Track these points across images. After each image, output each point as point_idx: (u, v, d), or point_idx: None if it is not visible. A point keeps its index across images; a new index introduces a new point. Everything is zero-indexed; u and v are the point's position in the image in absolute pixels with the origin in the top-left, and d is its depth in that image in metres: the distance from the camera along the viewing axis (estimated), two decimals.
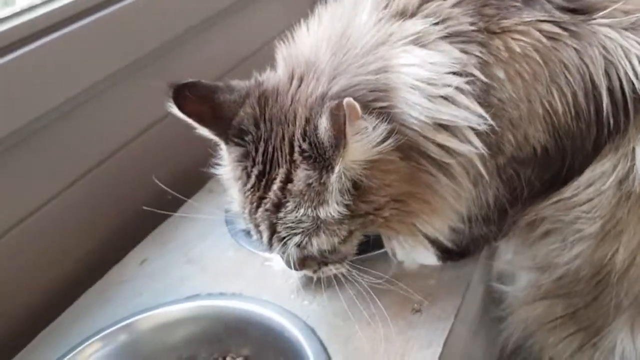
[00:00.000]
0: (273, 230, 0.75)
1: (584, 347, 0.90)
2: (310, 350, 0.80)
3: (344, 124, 0.63)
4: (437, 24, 0.72)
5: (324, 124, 0.65)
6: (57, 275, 1.00)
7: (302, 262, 0.79)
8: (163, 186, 0.92)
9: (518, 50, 0.72)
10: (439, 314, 0.83)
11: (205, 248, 1.01)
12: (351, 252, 0.81)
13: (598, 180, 0.77)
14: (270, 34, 0.90)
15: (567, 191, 0.79)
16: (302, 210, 0.71)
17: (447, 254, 0.90)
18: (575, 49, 0.73)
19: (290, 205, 0.72)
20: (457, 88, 0.71)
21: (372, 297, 0.86)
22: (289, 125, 0.72)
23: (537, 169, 0.80)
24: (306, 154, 0.70)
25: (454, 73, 0.71)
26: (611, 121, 0.74)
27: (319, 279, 0.85)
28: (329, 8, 0.80)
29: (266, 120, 0.73)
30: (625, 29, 0.74)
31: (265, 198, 0.73)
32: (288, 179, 0.71)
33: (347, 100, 0.63)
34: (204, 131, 0.76)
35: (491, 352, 1.06)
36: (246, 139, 0.74)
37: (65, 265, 1.02)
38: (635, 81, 0.73)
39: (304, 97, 0.72)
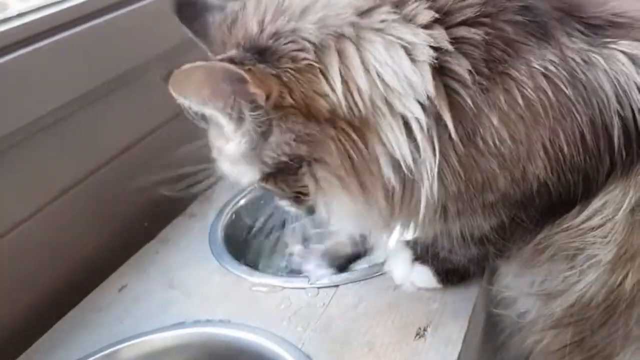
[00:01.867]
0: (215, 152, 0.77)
1: None
2: None
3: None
4: (436, 49, 0.67)
5: None
6: (29, 303, 0.94)
7: (262, 189, 0.79)
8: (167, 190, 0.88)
9: (521, 101, 0.68)
10: (445, 339, 0.78)
11: (190, 273, 0.95)
12: (289, 194, 0.77)
13: (609, 206, 0.74)
14: None
15: (578, 218, 0.76)
16: (219, 140, 0.74)
17: (447, 275, 0.86)
18: (584, 87, 0.69)
19: (212, 132, 0.76)
20: (416, 119, 0.67)
21: (371, 322, 0.81)
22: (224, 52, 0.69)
23: (534, 205, 0.76)
24: None
25: (421, 105, 0.67)
26: (623, 153, 0.71)
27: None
28: None
29: (225, 44, 0.72)
30: None
31: (207, 120, 0.75)
32: None
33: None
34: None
35: None
36: None
37: (37, 292, 0.95)
38: None
39: (242, 29, 0.70)
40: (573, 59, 0.70)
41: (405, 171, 0.69)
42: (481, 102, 0.68)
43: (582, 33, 0.71)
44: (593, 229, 0.76)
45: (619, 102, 0.70)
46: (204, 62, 0.64)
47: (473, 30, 0.68)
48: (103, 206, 1.08)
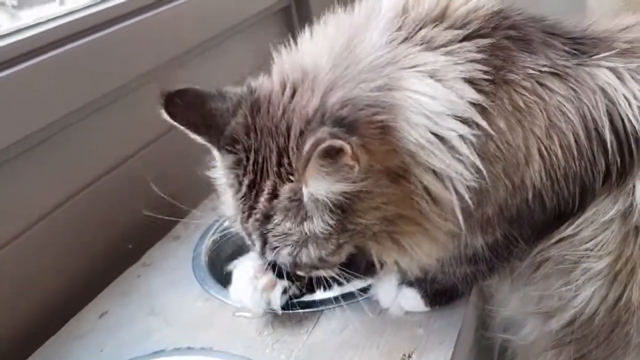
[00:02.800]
0: (264, 240, 0.73)
1: None
2: None
3: (309, 159, 0.62)
4: (458, 64, 0.70)
5: (305, 146, 0.63)
6: (5, 333, 0.91)
7: (295, 268, 0.76)
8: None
9: (521, 104, 0.71)
10: None
11: (171, 298, 0.93)
12: (341, 260, 0.76)
13: (599, 217, 0.75)
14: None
15: (569, 229, 0.76)
16: (288, 224, 0.70)
17: (434, 297, 0.85)
18: (575, 90, 0.72)
19: (277, 218, 0.70)
20: (460, 136, 0.69)
21: (356, 349, 0.79)
22: (279, 137, 0.69)
23: (528, 220, 0.77)
24: (290, 168, 0.69)
25: (462, 120, 0.69)
26: (618, 159, 0.73)
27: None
28: (337, 17, 0.77)
29: (257, 130, 0.71)
30: (627, 72, 0.73)
31: (255, 208, 0.72)
32: (275, 192, 0.70)
33: (328, 144, 0.61)
34: (197, 138, 0.74)
35: None
36: (237, 147, 0.72)
37: (15, 320, 0.93)
38: (636, 124, 0.72)
39: (298, 108, 0.69)
40: (563, 70, 0.73)
41: (470, 184, 0.70)
42: (490, 106, 0.70)
43: (566, 51, 0.74)
44: (585, 241, 0.76)
45: (609, 112, 0.72)
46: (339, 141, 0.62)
47: (479, 40, 0.71)
48: (86, 229, 1.06)
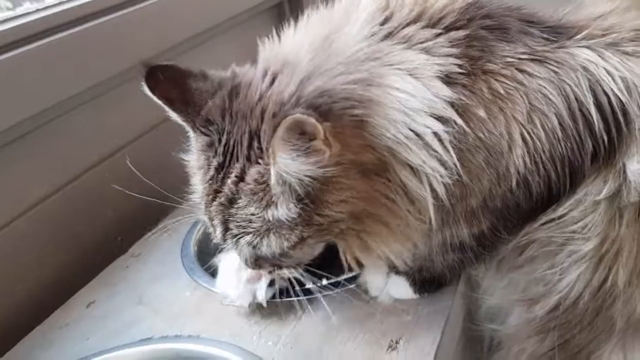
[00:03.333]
0: (226, 227, 0.72)
1: None
2: None
3: (278, 131, 0.62)
4: (435, 62, 0.71)
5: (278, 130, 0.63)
6: None
7: (256, 262, 0.76)
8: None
9: (501, 91, 0.71)
10: (418, 352, 0.76)
11: (159, 288, 0.93)
12: (306, 259, 0.77)
13: (589, 198, 0.75)
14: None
15: (558, 210, 0.76)
16: (252, 209, 0.69)
17: (423, 284, 0.84)
18: (555, 72, 0.73)
19: (241, 202, 0.70)
20: (434, 133, 0.70)
21: (343, 335, 0.79)
22: (253, 120, 0.69)
23: (513, 212, 0.77)
24: (260, 152, 0.68)
25: (438, 117, 0.70)
26: (605, 137, 0.73)
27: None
28: (320, 11, 0.78)
29: (232, 114, 0.71)
30: (605, 49, 0.74)
31: (221, 192, 0.71)
32: (242, 174, 0.69)
33: (299, 117, 0.61)
34: (173, 115, 0.74)
35: None
36: (211, 129, 0.72)
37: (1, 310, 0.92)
38: (621, 96, 0.72)
39: (274, 94, 0.69)
40: (542, 54, 0.73)
41: (443, 181, 0.71)
42: (468, 97, 0.71)
43: (544, 37, 0.75)
44: (573, 222, 0.76)
45: (592, 89, 0.72)
46: (300, 116, 0.62)
47: (454, 33, 0.72)
48: (74, 221, 1.05)
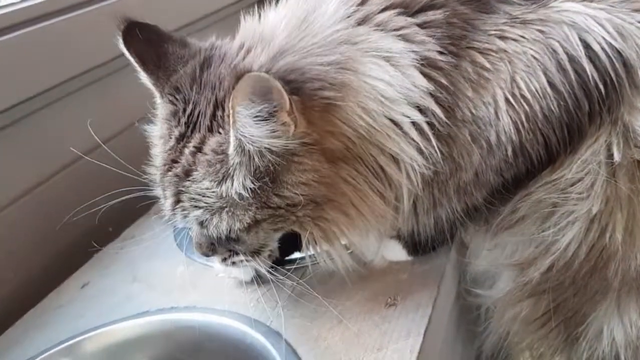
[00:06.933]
0: (177, 199, 0.70)
1: (569, 339, 0.84)
2: (278, 354, 0.71)
3: (239, 84, 0.60)
4: (413, 50, 0.70)
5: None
6: None
7: (210, 247, 0.74)
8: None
9: (487, 65, 0.71)
10: (416, 305, 0.76)
11: (153, 266, 0.92)
12: (258, 246, 0.74)
13: (589, 157, 0.73)
14: None
15: (555, 173, 0.75)
16: (206, 183, 0.67)
17: (416, 246, 0.84)
18: (540, 31, 0.71)
19: (197, 175, 0.68)
20: (413, 123, 0.69)
21: (341, 295, 0.79)
22: (220, 91, 0.68)
23: (512, 178, 0.76)
24: (222, 121, 0.67)
25: (416, 106, 0.69)
26: (602, 89, 0.70)
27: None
28: None
29: (201, 84, 0.70)
30: (590, 0, 0.72)
31: (177, 162, 0.69)
32: (201, 145, 0.68)
33: (264, 75, 0.61)
34: (143, 77, 0.74)
35: (468, 356, 0.99)
36: (178, 97, 0.71)
37: None
38: (614, 43, 0.70)
39: (245, 65, 0.69)
40: (523, 15, 0.72)
41: (420, 170, 0.70)
42: (454, 78, 0.70)
43: (520, 2, 0.73)
44: (571, 183, 0.75)
45: (583, 39, 0.70)
46: (266, 75, 0.61)
47: (431, 13, 0.71)
48: (65, 209, 1.04)
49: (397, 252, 0.85)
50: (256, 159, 0.65)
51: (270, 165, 0.65)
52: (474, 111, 0.71)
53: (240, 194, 0.67)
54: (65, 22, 1.03)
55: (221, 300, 0.82)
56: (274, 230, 0.71)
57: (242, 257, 0.75)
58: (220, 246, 0.74)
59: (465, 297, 0.94)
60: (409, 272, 0.82)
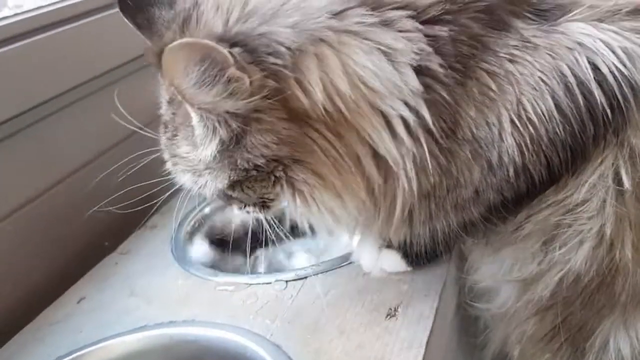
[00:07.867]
0: (173, 162, 0.73)
1: (577, 352, 0.83)
2: None
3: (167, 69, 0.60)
4: (413, 51, 0.66)
5: None
6: None
7: (225, 198, 0.75)
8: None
9: (493, 86, 0.68)
10: (417, 316, 0.75)
11: (151, 279, 0.91)
12: (258, 200, 0.73)
13: (597, 178, 0.72)
14: None
15: (560, 193, 0.74)
16: (186, 147, 0.69)
17: (415, 257, 0.84)
18: (550, 55, 0.69)
19: (179, 139, 0.70)
20: (401, 117, 0.67)
21: (341, 307, 0.79)
22: None
23: (512, 198, 0.75)
24: None
25: (406, 103, 0.66)
26: (608, 113, 0.69)
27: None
28: None
29: None
30: (601, 21, 0.71)
31: (168, 126, 0.71)
32: (176, 111, 0.69)
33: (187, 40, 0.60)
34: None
35: None
36: None
37: None
38: (623, 68, 0.68)
39: (207, 29, 0.66)
40: (534, 38, 0.70)
41: (393, 166, 0.68)
42: (458, 96, 0.68)
43: (533, 19, 0.71)
44: (579, 203, 0.73)
45: (592, 62, 0.68)
46: (189, 39, 0.60)
47: (438, 27, 0.68)
48: (61, 225, 1.04)
49: (396, 263, 0.85)
50: (216, 123, 0.64)
51: (233, 129, 0.65)
52: (475, 130, 0.69)
53: (212, 158, 0.67)
54: (64, 34, 1.03)
55: (220, 314, 0.82)
56: (260, 188, 0.70)
57: (250, 209, 0.75)
58: (222, 200, 0.76)
59: (466, 309, 0.94)
60: (410, 282, 0.82)
